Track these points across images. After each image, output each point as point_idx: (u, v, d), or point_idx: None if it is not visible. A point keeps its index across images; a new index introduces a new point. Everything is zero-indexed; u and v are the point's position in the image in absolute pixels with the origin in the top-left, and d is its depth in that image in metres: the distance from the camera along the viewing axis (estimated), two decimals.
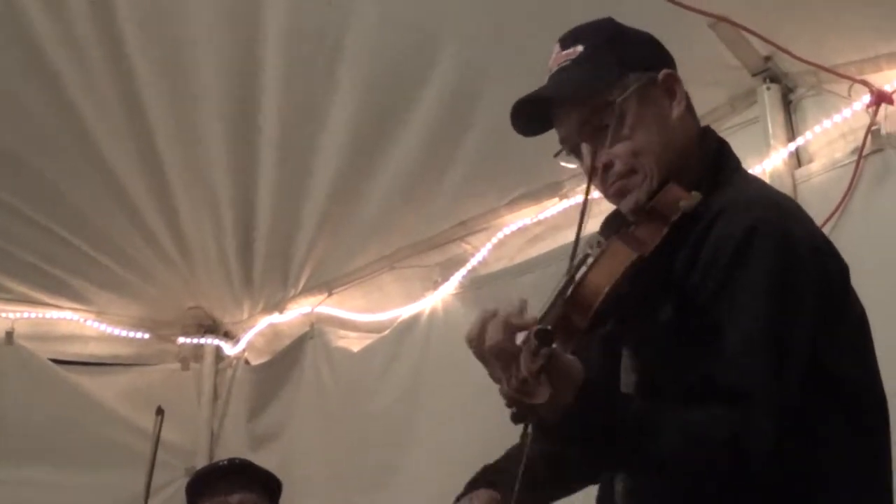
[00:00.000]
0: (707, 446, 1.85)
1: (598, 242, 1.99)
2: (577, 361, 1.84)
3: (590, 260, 1.95)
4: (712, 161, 2.21)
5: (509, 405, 1.76)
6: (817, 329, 1.97)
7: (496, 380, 1.81)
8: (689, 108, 2.26)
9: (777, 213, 2.07)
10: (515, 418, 1.77)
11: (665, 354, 2.01)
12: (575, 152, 2.24)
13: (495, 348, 1.79)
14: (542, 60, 2.30)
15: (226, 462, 4.48)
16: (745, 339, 1.91)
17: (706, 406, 1.87)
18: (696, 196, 2.04)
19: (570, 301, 1.90)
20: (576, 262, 1.95)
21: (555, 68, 2.24)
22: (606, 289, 1.90)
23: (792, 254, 1.99)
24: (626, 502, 2.10)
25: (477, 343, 1.83)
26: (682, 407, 1.90)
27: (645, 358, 2.07)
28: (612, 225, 2.20)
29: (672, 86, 2.23)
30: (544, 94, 2.22)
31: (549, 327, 1.75)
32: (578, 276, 1.93)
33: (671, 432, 1.86)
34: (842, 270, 2.12)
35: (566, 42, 2.25)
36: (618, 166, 2.16)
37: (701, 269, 2.00)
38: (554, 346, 1.74)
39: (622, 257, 1.96)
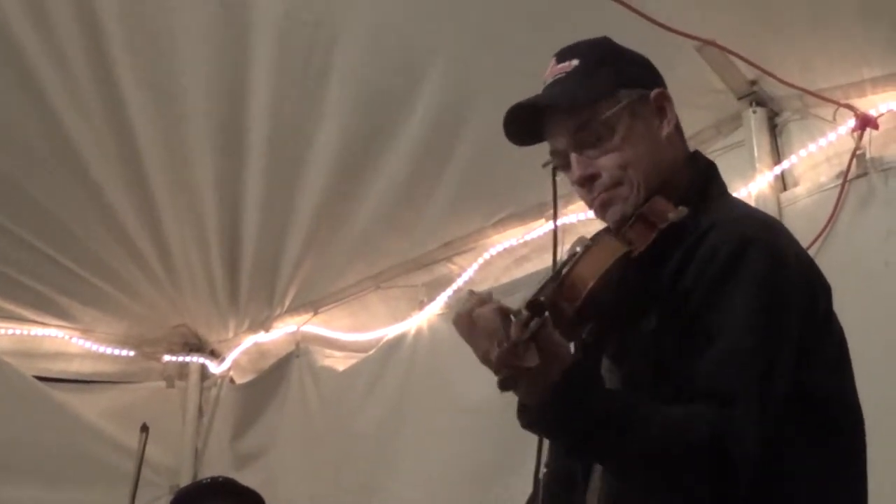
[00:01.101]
0: (689, 443, 1.85)
1: (587, 246, 2.03)
2: (567, 343, 1.84)
3: (579, 251, 1.98)
4: (700, 182, 2.25)
5: (497, 371, 1.76)
6: (802, 343, 1.99)
7: (484, 356, 1.81)
8: (678, 129, 2.31)
9: (767, 230, 2.12)
10: (504, 384, 1.76)
11: (648, 363, 2.01)
12: (564, 166, 2.26)
13: (485, 321, 1.81)
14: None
15: (209, 480, 4.48)
16: (733, 344, 1.93)
17: (691, 406, 1.88)
18: (683, 210, 2.08)
19: (559, 288, 1.92)
20: (567, 255, 1.98)
21: (549, 80, 2.27)
22: (595, 279, 1.94)
23: (782, 268, 2.02)
24: None
25: (465, 317, 1.85)
26: (667, 406, 1.90)
27: (627, 367, 2.08)
28: None
29: (663, 104, 2.27)
30: (538, 102, 2.25)
31: (542, 298, 1.76)
32: (568, 266, 1.96)
33: (655, 424, 1.87)
34: (826, 291, 2.14)
35: (563, 56, 2.29)
36: (604, 178, 2.19)
37: (691, 278, 2.02)
38: (546, 315, 1.75)
39: (611, 250, 2.01)
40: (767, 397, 1.90)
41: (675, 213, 2.07)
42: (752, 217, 2.21)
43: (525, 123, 2.27)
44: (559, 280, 1.94)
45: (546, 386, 1.82)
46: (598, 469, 2.12)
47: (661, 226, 2.07)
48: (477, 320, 1.83)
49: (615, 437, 1.87)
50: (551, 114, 2.25)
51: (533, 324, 1.74)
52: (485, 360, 1.82)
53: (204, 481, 4.60)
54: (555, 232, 2.05)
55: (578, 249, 2.00)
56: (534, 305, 1.75)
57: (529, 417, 1.90)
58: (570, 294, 1.94)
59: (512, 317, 1.78)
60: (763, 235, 2.06)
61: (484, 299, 1.88)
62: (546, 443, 2.16)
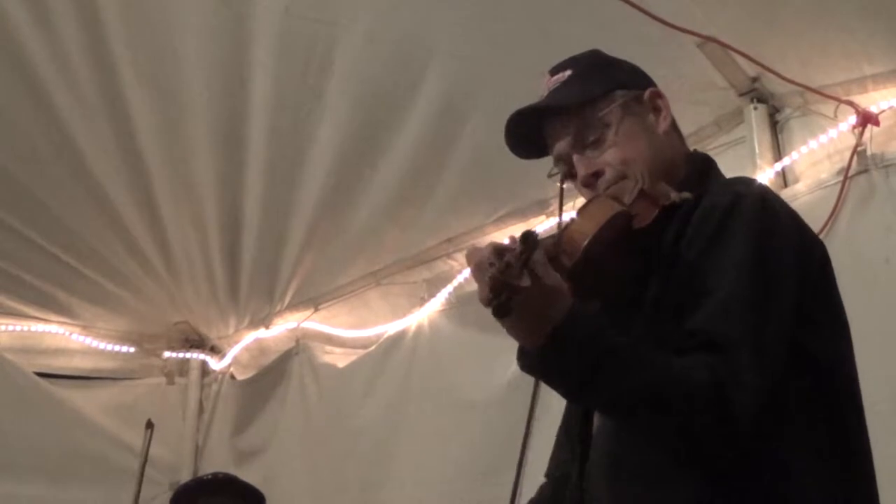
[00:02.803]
0: (689, 387, 1.85)
1: (584, 204, 2.09)
2: (565, 286, 1.85)
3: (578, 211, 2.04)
4: (698, 175, 2.28)
5: (493, 296, 1.74)
6: (801, 297, 2.00)
7: (482, 294, 1.80)
8: (675, 126, 2.36)
9: (759, 188, 2.19)
10: (499, 309, 1.74)
11: (651, 328, 2.01)
12: (569, 171, 2.30)
13: (480, 256, 1.82)
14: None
15: (210, 476, 4.48)
16: (730, 292, 1.94)
17: (690, 353, 1.89)
18: (686, 195, 2.12)
19: (557, 241, 1.96)
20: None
21: (545, 92, 2.33)
22: (593, 232, 1.98)
23: (776, 219, 2.06)
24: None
25: (468, 259, 1.88)
26: (669, 355, 1.91)
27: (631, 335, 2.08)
28: None
29: (657, 102, 2.33)
30: (537, 106, 2.30)
31: (536, 232, 1.78)
32: (567, 223, 2.02)
33: (656, 368, 1.87)
34: (819, 245, 2.17)
35: (556, 69, 2.36)
36: (608, 173, 2.23)
37: (688, 240, 2.05)
38: (538, 241, 1.77)
39: (608, 207, 2.06)
40: (766, 341, 1.91)
41: (678, 195, 2.12)
42: (742, 179, 2.30)
43: (526, 134, 2.33)
44: (558, 234, 1.99)
45: (546, 322, 1.82)
46: (596, 439, 2.13)
47: (663, 202, 2.11)
48: (477, 261, 1.84)
49: (615, 380, 1.87)
50: (551, 121, 2.31)
51: (526, 252, 1.75)
52: (482, 299, 1.81)
53: (205, 477, 4.61)
54: (559, 219, 2.09)
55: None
56: (525, 235, 1.76)
57: (528, 359, 1.90)
58: (568, 246, 1.97)
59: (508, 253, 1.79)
60: (756, 193, 2.11)
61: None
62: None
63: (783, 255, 2.02)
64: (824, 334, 2.06)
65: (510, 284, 1.73)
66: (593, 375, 1.86)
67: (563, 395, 2.06)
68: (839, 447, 2.01)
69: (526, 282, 1.74)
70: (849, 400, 2.08)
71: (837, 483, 1.98)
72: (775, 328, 1.94)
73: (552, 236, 2.00)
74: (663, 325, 1.98)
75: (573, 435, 2.20)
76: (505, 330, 1.87)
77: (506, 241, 1.84)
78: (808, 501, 1.94)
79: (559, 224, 2.10)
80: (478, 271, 1.82)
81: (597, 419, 2.17)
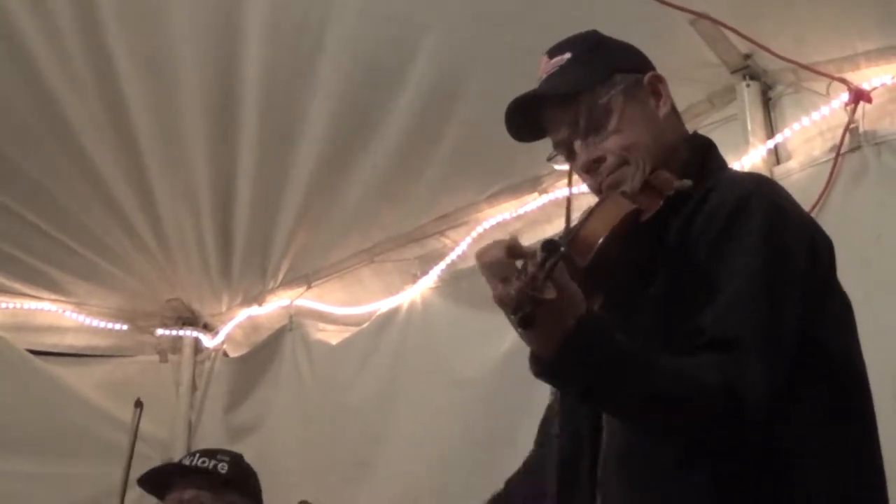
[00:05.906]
0: (700, 388, 1.86)
1: (597, 203, 2.09)
2: (580, 291, 1.85)
3: (590, 208, 2.05)
4: (699, 158, 2.29)
5: (516, 308, 1.74)
6: (808, 293, 2.01)
7: (499, 298, 1.80)
8: (675, 110, 2.37)
9: (768, 186, 2.19)
10: (524, 321, 1.74)
11: (655, 325, 2.02)
12: (569, 155, 2.30)
13: (498, 263, 1.82)
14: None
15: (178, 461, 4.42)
16: (739, 291, 1.95)
17: (699, 353, 1.89)
18: (687, 182, 2.13)
19: (571, 241, 1.97)
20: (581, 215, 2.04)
21: (544, 75, 2.34)
22: (606, 232, 1.99)
23: (785, 218, 2.07)
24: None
25: (479, 258, 1.87)
26: (676, 356, 1.91)
27: (638, 336, 2.06)
28: None
29: (657, 87, 2.34)
30: (537, 93, 2.31)
31: (557, 239, 1.79)
32: (580, 222, 2.02)
33: (666, 373, 1.88)
34: (827, 244, 2.18)
35: (554, 52, 2.36)
36: (610, 160, 2.24)
37: (696, 234, 2.06)
38: (561, 251, 1.77)
39: (621, 206, 2.07)
40: (775, 340, 1.92)
41: (680, 184, 2.13)
42: (753, 176, 2.34)
43: (526, 118, 2.32)
44: (571, 233, 2.00)
45: (561, 329, 1.82)
46: (607, 431, 2.13)
47: (667, 192, 2.12)
48: (491, 263, 1.84)
49: (626, 387, 1.87)
50: (551, 106, 2.31)
51: (549, 262, 1.75)
52: (500, 301, 1.81)
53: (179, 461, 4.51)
54: (568, 200, 2.10)
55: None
56: (549, 244, 1.77)
57: (542, 366, 1.89)
58: (582, 247, 1.98)
59: (526, 258, 1.80)
60: (764, 189, 2.12)
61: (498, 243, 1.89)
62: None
63: (793, 254, 2.03)
64: (835, 327, 2.07)
65: (537, 298, 1.73)
66: (604, 383, 1.87)
67: (575, 399, 2.07)
68: (848, 437, 2.03)
69: (551, 294, 1.74)
70: (859, 392, 2.09)
71: (846, 472, 2.00)
72: (784, 326, 1.95)
73: (564, 236, 2.00)
74: (670, 320, 1.99)
75: (581, 429, 2.19)
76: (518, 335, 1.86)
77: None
78: (817, 491, 1.96)
79: (568, 202, 2.10)
80: (498, 280, 1.81)
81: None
